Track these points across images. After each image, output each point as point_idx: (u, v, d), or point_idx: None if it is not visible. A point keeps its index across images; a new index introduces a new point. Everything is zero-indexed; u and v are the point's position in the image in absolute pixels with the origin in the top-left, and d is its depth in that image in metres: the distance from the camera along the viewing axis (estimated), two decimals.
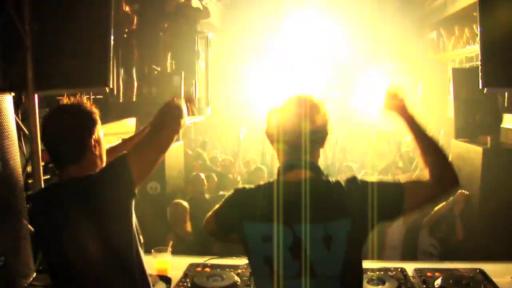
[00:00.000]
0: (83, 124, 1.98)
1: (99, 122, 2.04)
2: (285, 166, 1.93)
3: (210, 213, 2.09)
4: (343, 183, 1.86)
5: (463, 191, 4.93)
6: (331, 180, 1.89)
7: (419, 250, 4.87)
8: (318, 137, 1.92)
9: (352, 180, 1.87)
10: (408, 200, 1.83)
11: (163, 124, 2.07)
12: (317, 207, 1.80)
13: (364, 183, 1.85)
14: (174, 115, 2.10)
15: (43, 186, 3.35)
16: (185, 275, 2.93)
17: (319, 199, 1.82)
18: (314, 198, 1.81)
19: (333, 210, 1.81)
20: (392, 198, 1.84)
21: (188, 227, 4.85)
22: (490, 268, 2.93)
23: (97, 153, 2.02)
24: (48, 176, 3.64)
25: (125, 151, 1.97)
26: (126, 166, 1.90)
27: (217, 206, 2.06)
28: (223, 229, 2.05)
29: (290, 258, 1.81)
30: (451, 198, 4.78)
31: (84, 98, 2.06)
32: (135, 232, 2.01)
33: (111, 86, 3.26)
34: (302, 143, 1.87)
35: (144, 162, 1.98)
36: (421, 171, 1.88)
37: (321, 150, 2.01)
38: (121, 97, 7.09)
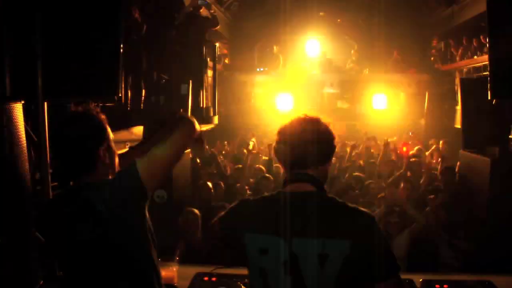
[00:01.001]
0: (92, 133, 1.98)
1: (108, 129, 2.04)
2: (289, 178, 1.95)
3: (215, 219, 2.10)
4: (351, 207, 1.85)
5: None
6: (337, 199, 1.89)
7: (441, 262, 4.82)
8: (322, 153, 1.95)
9: (367, 217, 1.84)
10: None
11: (178, 135, 2.07)
12: (317, 221, 1.79)
13: (375, 230, 1.82)
14: (188, 129, 2.13)
15: (51, 193, 3.35)
16: (192, 284, 2.92)
17: (321, 214, 1.82)
18: (315, 213, 1.81)
19: (334, 228, 1.79)
20: (381, 265, 1.79)
21: (199, 234, 4.84)
22: (500, 281, 2.90)
23: (108, 161, 2.02)
24: (56, 183, 3.65)
25: (135, 159, 1.97)
26: (135, 172, 1.91)
27: (222, 213, 2.08)
28: (227, 237, 2.07)
29: (284, 273, 1.80)
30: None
31: (92, 106, 2.07)
32: (151, 240, 2.01)
33: (120, 95, 3.27)
34: (306, 158, 1.91)
35: (154, 168, 1.98)
36: None
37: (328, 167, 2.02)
38: (128, 105, 7.12)
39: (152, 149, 2.02)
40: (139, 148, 2.64)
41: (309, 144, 1.90)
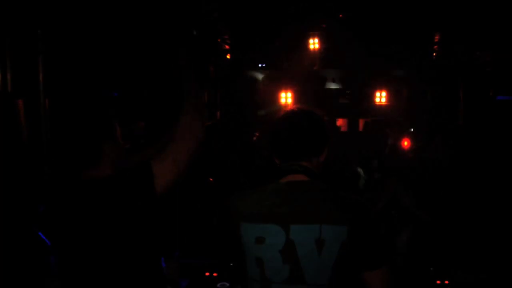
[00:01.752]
0: (100, 126, 1.98)
1: (116, 124, 2.03)
2: (282, 169, 1.96)
3: (215, 214, 2.12)
4: (346, 195, 1.86)
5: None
6: (333, 188, 1.90)
7: (442, 258, 4.82)
8: (315, 145, 1.96)
9: (362, 205, 1.85)
10: (370, 276, 1.80)
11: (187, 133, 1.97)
12: (314, 208, 1.80)
13: (370, 218, 1.83)
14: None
15: (52, 190, 3.36)
16: (193, 279, 2.93)
17: (317, 201, 1.83)
18: (312, 199, 1.83)
19: (330, 214, 1.79)
20: (372, 254, 1.80)
21: (200, 229, 4.86)
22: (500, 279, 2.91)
23: (114, 155, 2.00)
24: (57, 180, 3.65)
25: (148, 160, 1.93)
26: (150, 174, 1.88)
27: (220, 208, 2.09)
28: (226, 229, 2.07)
29: (280, 261, 1.80)
30: None
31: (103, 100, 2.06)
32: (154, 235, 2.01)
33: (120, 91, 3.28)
34: (299, 150, 1.92)
35: (168, 171, 1.93)
36: None
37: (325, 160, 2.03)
38: (129, 102, 7.10)
39: (165, 150, 1.96)
40: (143, 149, 2.64)
41: (302, 136, 1.91)
